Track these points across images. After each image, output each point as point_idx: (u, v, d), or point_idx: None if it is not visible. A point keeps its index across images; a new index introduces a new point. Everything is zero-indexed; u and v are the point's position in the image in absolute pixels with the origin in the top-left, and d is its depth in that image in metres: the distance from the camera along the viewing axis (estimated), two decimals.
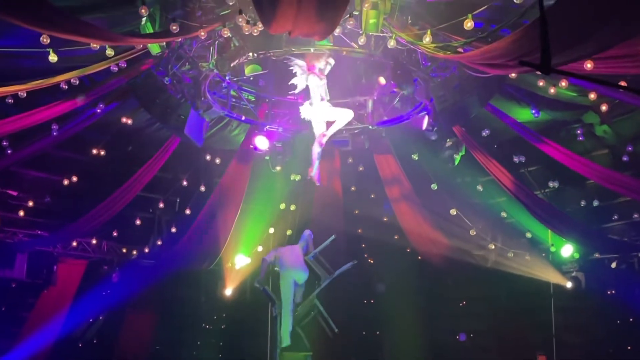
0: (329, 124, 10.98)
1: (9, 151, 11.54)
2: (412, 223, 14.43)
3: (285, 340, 11.81)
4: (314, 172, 11.06)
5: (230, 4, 9.70)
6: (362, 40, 10.05)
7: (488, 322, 16.21)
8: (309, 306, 12.60)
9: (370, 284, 17.32)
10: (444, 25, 9.41)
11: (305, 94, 10.91)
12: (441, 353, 16.61)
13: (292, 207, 15.15)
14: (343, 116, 10.82)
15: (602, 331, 14.59)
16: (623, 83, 9.06)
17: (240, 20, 9.39)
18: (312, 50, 10.71)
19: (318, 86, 10.49)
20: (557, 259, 14.70)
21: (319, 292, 12.60)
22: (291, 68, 10.52)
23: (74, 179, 13.24)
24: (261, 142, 12.51)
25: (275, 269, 12.48)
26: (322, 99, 10.52)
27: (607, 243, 13.85)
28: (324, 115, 10.73)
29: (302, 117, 10.92)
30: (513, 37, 7.23)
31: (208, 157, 13.82)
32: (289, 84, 10.72)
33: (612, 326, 14.59)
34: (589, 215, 13.61)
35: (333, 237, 12.58)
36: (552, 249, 14.59)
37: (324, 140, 10.90)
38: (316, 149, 10.90)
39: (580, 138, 12.19)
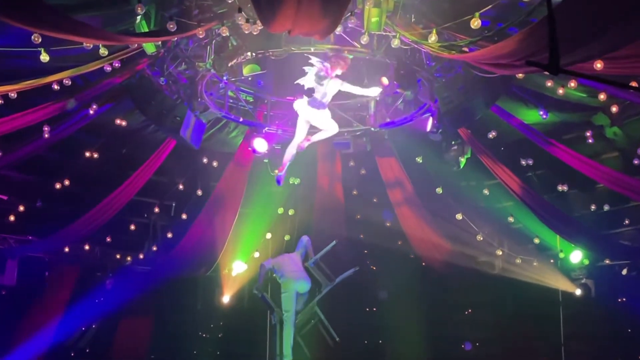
0: (311, 129, 10.83)
1: None
2: (416, 228, 14.41)
3: (288, 355, 11.73)
4: (282, 172, 10.95)
5: (229, 1, 9.70)
6: (364, 40, 10.05)
7: (494, 331, 16.16)
8: (310, 314, 12.58)
9: (373, 291, 17.28)
10: (449, 24, 9.41)
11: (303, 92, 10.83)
12: None
13: (291, 212, 15.13)
14: (331, 128, 10.69)
15: (613, 340, 14.56)
16: (634, 83, 9.06)
17: (239, 18, 9.39)
18: (312, 49, 10.71)
19: (332, 92, 10.41)
20: (565, 265, 14.67)
21: (319, 300, 12.58)
22: (307, 68, 10.32)
23: (67, 182, 13.23)
24: (260, 145, 12.50)
25: (274, 275, 12.44)
26: (325, 106, 10.46)
27: (617, 249, 13.83)
28: (316, 120, 10.59)
29: (295, 109, 10.73)
30: (520, 36, 7.21)
31: (205, 160, 13.81)
32: (296, 82, 10.58)
33: (622, 335, 14.55)
34: (598, 220, 13.59)
35: (334, 242, 12.56)
36: (561, 255, 14.56)
37: (305, 145, 10.78)
38: (293, 151, 10.77)
39: (590, 140, 12.16)
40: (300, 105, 10.47)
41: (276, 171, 11.12)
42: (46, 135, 11.28)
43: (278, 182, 11.10)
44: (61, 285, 15.04)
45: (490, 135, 12.20)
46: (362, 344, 17.27)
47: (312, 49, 10.69)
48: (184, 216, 14.95)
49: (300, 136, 10.65)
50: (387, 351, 17.18)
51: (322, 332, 12.52)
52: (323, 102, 10.35)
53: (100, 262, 15.47)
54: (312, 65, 10.17)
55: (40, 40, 8.65)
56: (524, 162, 12.86)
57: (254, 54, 10.74)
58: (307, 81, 10.27)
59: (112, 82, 10.94)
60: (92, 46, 9.38)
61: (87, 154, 13.00)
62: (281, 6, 7.84)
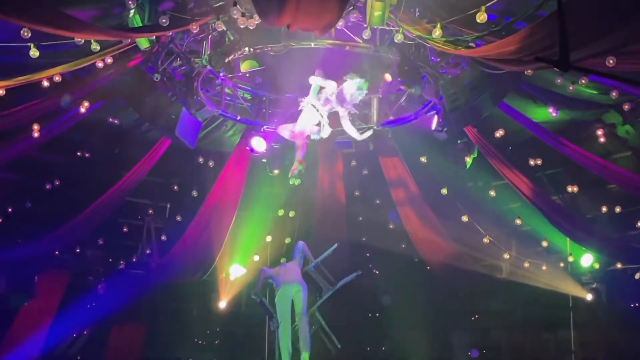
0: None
1: None
2: (420, 231, 14.41)
3: None
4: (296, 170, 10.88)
5: None
6: (366, 34, 10.04)
7: (502, 337, 16.18)
8: (310, 320, 12.54)
9: (375, 296, 17.30)
10: (455, 18, 9.40)
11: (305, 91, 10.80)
12: None
13: (291, 214, 15.13)
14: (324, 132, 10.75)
15: (625, 347, 14.54)
16: None
17: (235, 12, 9.38)
18: (312, 45, 10.71)
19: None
20: (576, 269, 14.68)
21: (320, 305, 12.55)
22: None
23: (57, 183, 13.22)
24: (258, 144, 12.48)
25: (270, 281, 12.40)
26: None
27: (630, 252, 13.81)
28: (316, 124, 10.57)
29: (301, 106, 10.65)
30: (529, 30, 7.21)
31: (201, 160, 13.80)
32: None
33: (635, 341, 14.53)
34: (610, 222, 13.58)
35: (335, 245, 12.53)
36: (571, 258, 14.56)
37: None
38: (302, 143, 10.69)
39: (601, 139, 12.17)
40: (311, 104, 10.43)
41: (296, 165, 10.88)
42: (36, 134, 11.26)
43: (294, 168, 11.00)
44: (51, 290, 15.01)
45: (498, 134, 12.19)
46: (364, 351, 17.29)
47: (313, 44, 10.69)
48: (179, 218, 14.94)
49: (306, 125, 10.44)
50: (390, 358, 17.20)
51: (323, 339, 12.50)
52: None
53: (92, 266, 15.45)
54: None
55: (29, 35, 8.64)
56: (532, 162, 12.86)
57: (251, 50, 10.74)
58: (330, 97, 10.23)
59: (105, 79, 10.93)
60: (83, 41, 9.37)
61: (79, 154, 12.99)
62: (281, 0, 7.83)
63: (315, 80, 10.20)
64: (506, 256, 14.83)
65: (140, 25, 9.68)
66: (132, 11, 9.61)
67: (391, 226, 15.29)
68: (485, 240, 14.42)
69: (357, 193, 14.81)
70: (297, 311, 11.77)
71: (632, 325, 14.27)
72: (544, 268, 14.80)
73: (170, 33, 10.24)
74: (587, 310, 14.73)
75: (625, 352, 14.50)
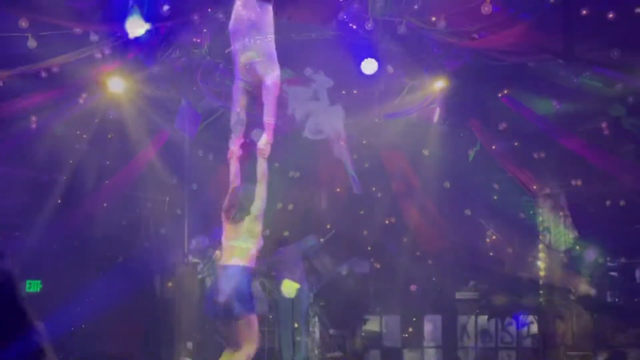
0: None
1: None
2: (422, 224, 14.43)
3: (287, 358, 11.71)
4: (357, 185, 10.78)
5: None
6: (368, 26, 10.04)
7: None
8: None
9: (376, 289, 17.29)
10: (458, 10, 9.41)
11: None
12: None
13: (290, 207, 15.13)
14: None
15: (628, 342, 14.56)
16: None
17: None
18: (313, 36, 10.71)
19: None
20: (579, 263, 14.68)
21: (318, 297, 12.57)
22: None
23: (54, 175, 13.24)
24: (258, 136, 12.48)
25: (273, 273, 12.44)
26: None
27: (634, 246, 13.84)
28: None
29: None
30: (533, 22, 7.23)
31: (200, 153, 13.81)
32: None
33: (638, 337, 14.56)
34: (614, 216, 13.59)
35: (333, 231, 12.54)
36: (574, 252, 14.57)
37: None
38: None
39: (606, 132, 12.18)
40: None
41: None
42: (33, 126, 11.28)
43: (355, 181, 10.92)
44: (49, 284, 15.03)
45: (501, 127, 12.21)
46: (362, 344, 17.29)
47: (314, 35, 10.69)
48: (178, 211, 14.95)
49: (339, 123, 10.38)
50: (390, 354, 17.22)
51: (320, 329, 12.54)
52: None
53: (90, 260, 15.45)
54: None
55: (27, 25, 8.66)
56: (535, 155, 12.88)
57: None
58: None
59: (103, 70, 10.93)
60: (82, 31, 9.39)
61: (77, 146, 13.00)
62: None
63: (322, 79, 10.19)
64: (509, 250, 14.85)
65: (140, 15, 9.68)
66: (131, 2, 9.61)
67: (393, 220, 15.26)
68: (488, 234, 14.45)
69: None
70: (296, 317, 11.75)
71: (637, 321, 14.31)
72: (546, 262, 14.82)
73: (170, 24, 10.24)
74: (589, 305, 14.74)
75: (627, 348, 14.53)
